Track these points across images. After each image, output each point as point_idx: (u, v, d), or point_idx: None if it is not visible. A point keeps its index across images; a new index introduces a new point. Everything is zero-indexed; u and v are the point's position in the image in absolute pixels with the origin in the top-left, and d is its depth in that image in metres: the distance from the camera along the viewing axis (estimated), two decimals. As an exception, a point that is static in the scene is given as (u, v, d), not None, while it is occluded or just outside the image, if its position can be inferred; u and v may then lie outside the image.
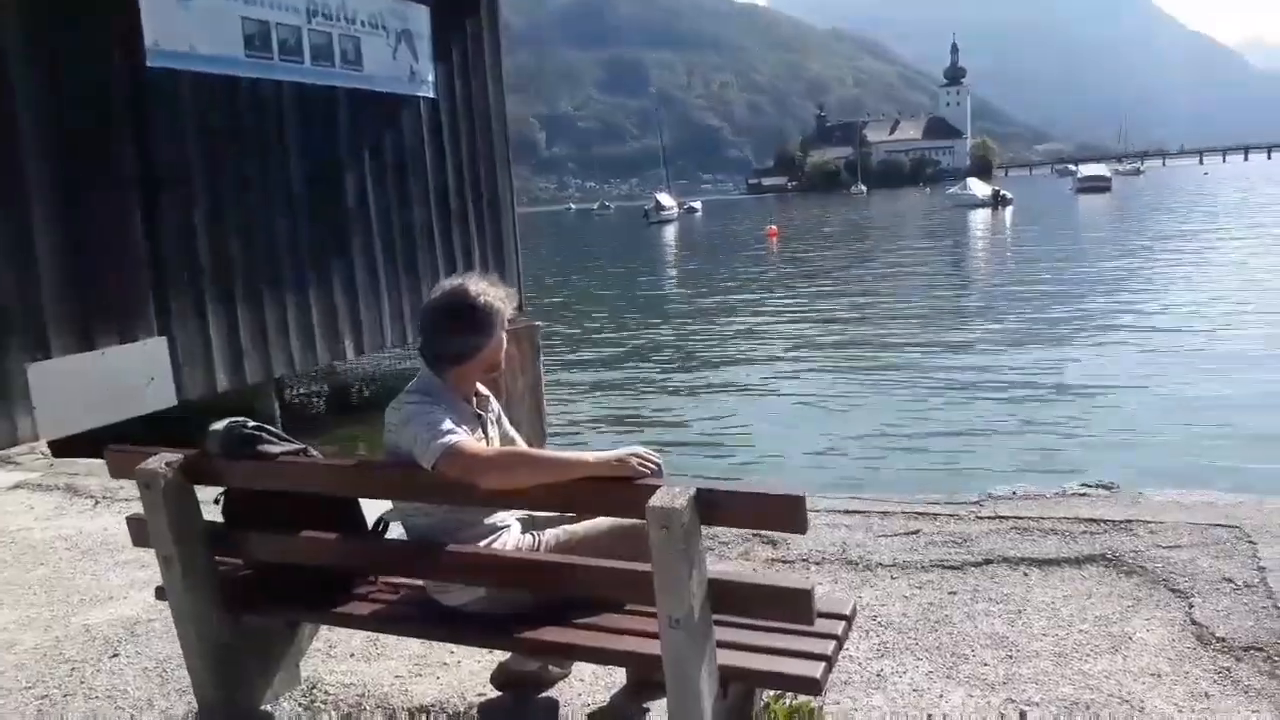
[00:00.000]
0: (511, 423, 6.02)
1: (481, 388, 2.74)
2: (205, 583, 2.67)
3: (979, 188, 72.13)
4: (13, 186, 6.99)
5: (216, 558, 2.71)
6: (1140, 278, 20.22)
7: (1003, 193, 67.62)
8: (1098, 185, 78.87)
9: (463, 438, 2.32)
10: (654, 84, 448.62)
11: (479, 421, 2.62)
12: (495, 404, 2.80)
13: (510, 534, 2.63)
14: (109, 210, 7.70)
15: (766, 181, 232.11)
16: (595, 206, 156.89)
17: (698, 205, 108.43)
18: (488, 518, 2.57)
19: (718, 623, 2.18)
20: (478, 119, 12.49)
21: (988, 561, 3.85)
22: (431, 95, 11.51)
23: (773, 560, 4.04)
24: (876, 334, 15.32)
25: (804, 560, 4.02)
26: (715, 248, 45.86)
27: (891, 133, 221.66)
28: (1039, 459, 7.93)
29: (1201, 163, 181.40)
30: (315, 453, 2.67)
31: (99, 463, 6.82)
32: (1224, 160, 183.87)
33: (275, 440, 2.60)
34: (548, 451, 2.53)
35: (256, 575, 2.76)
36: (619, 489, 2.20)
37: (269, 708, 2.89)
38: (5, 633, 3.74)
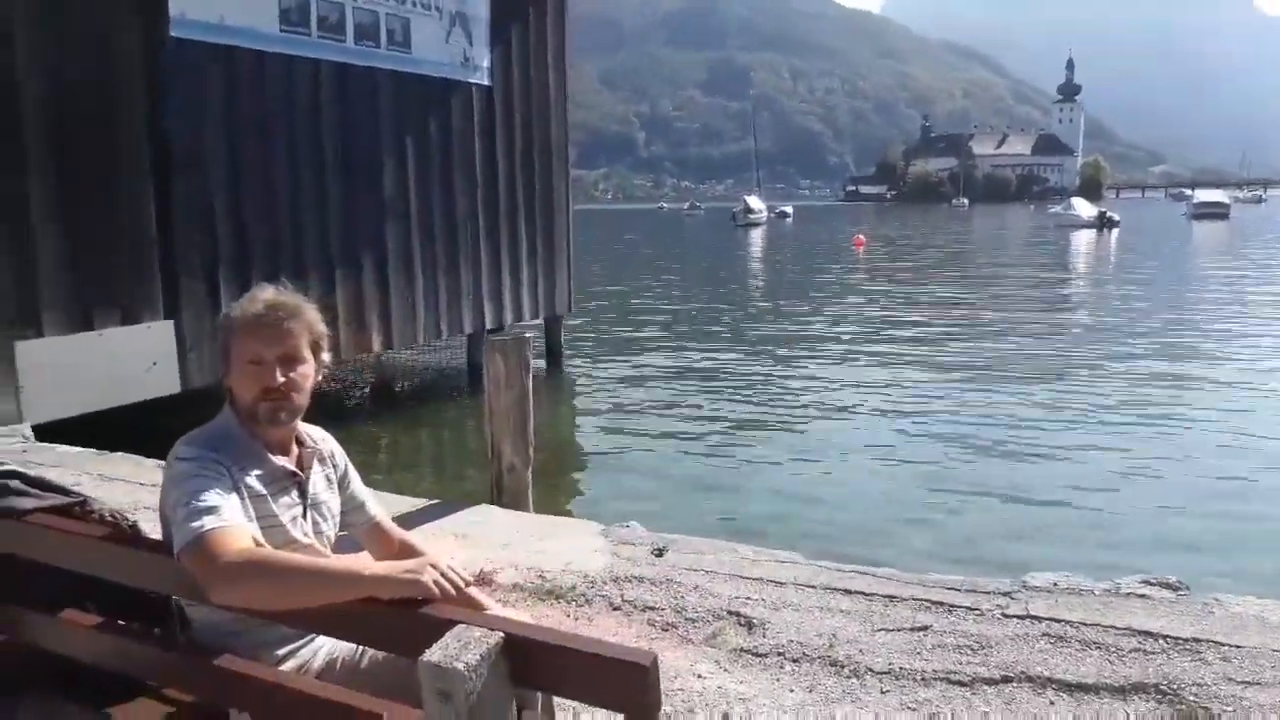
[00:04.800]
0: (493, 438, 5.34)
1: (313, 435, 2.07)
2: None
3: (1084, 208, 69.05)
4: (11, 153, 6.67)
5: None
6: (1254, 325, 17.94)
7: (1109, 214, 64.58)
8: (1214, 212, 74.75)
9: (220, 525, 1.66)
10: (756, 86, 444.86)
11: (293, 482, 1.96)
12: (339, 456, 2.13)
13: (327, 638, 1.99)
14: (116, 189, 7.34)
15: (865, 189, 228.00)
16: (686, 207, 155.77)
17: (789, 210, 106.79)
18: (294, 615, 1.92)
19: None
20: (535, 110, 11.95)
21: (1006, 679, 3.07)
22: (485, 83, 11.00)
23: (742, 651, 3.32)
24: (937, 373, 13.47)
25: (780, 654, 3.29)
26: (797, 254, 44.54)
27: (999, 147, 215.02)
28: (1095, 539, 6.63)
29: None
30: (100, 506, 2.07)
31: (74, 451, 6.47)
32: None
33: (32, 492, 2.01)
34: (318, 561, 1.75)
35: (26, 656, 2.18)
36: (389, 618, 1.53)
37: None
38: None
